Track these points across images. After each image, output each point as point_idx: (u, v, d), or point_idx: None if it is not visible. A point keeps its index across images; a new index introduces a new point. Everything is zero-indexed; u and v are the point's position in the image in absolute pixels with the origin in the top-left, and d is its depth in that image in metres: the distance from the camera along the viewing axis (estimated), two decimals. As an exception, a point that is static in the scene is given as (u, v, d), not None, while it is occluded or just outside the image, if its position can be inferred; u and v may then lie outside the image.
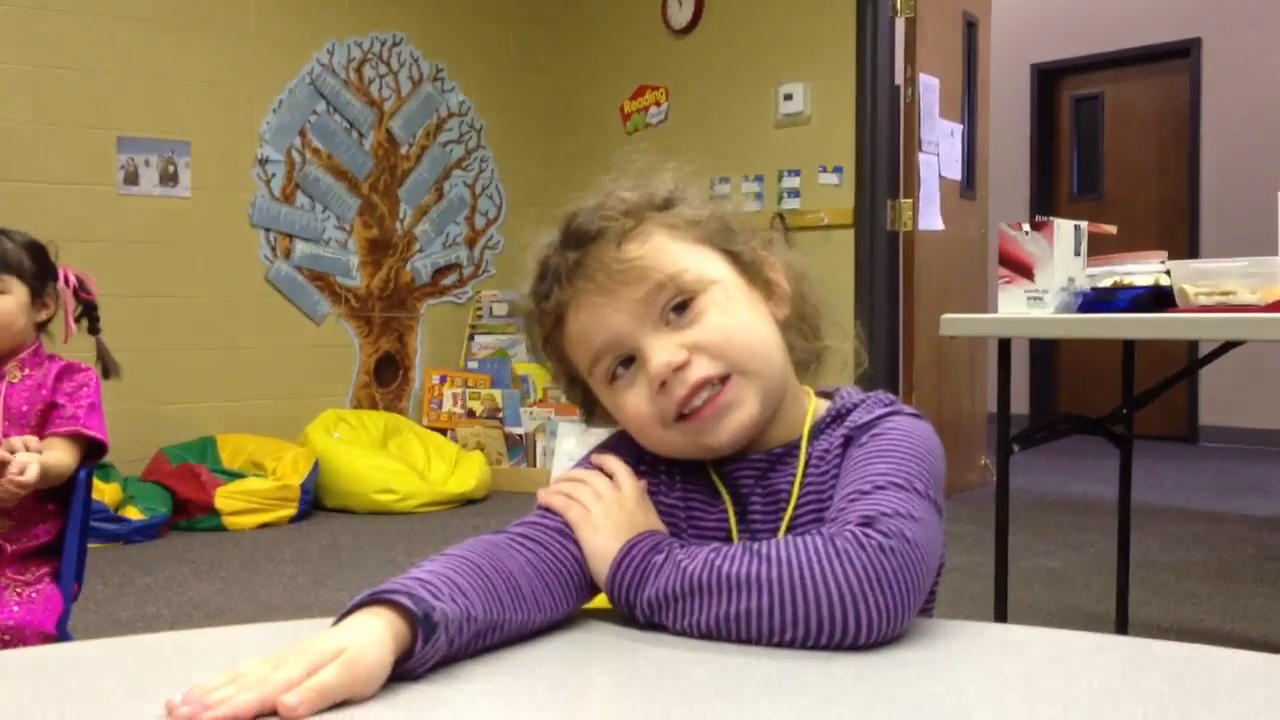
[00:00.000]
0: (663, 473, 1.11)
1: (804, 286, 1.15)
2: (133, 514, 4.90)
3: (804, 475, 1.07)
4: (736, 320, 1.05)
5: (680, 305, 1.04)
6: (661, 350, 1.02)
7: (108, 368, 2.49)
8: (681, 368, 1.02)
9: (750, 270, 1.10)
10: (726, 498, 1.09)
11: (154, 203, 5.64)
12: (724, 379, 1.03)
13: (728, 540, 1.06)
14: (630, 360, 1.05)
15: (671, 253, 1.05)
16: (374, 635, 0.84)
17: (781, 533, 1.06)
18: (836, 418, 1.10)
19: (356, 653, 0.82)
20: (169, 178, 5.69)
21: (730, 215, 1.12)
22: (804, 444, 1.09)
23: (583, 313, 1.05)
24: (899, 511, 0.93)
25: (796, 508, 1.07)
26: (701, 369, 1.02)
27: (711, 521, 1.09)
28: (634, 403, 1.05)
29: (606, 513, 1.04)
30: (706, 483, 1.10)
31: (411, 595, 0.87)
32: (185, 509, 5.11)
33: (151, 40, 5.62)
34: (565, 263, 1.04)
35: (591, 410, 1.15)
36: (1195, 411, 7.87)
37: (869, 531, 0.91)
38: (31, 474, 2.11)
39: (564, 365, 1.12)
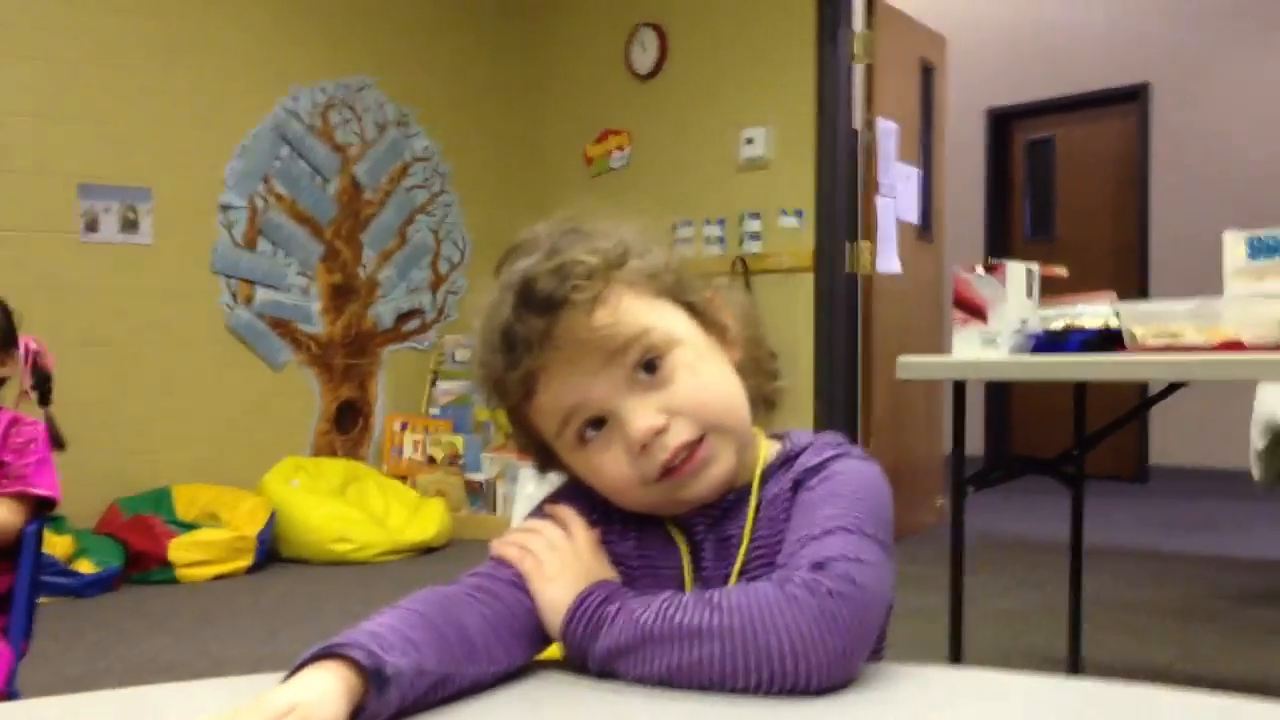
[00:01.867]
0: (616, 522, 1.11)
1: (755, 328, 1.16)
2: (85, 567, 4.83)
3: (754, 521, 1.08)
4: (706, 379, 1.06)
5: (649, 364, 1.04)
6: (641, 415, 1.02)
7: (56, 439, 2.46)
8: (661, 431, 1.02)
9: (705, 317, 1.11)
10: (682, 546, 1.09)
11: (115, 250, 5.61)
12: (700, 439, 1.04)
13: (682, 588, 1.06)
14: (600, 422, 1.05)
15: (636, 312, 1.05)
16: (327, 691, 0.84)
17: (733, 579, 1.06)
18: (786, 461, 1.10)
19: (309, 710, 0.81)
20: (130, 225, 5.66)
21: (678, 260, 1.12)
22: (755, 488, 1.09)
23: (554, 382, 1.04)
24: (847, 555, 0.94)
25: (747, 554, 1.07)
26: (680, 433, 1.03)
27: (666, 570, 1.09)
28: (612, 464, 1.05)
29: (561, 563, 1.03)
30: (660, 531, 1.10)
31: (364, 649, 0.86)
32: (139, 561, 5.04)
33: (112, 86, 5.60)
34: (533, 332, 1.02)
35: (548, 467, 1.15)
36: (1145, 451, 7.94)
37: (819, 577, 0.92)
38: None
39: (529, 433, 1.11)
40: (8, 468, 2.29)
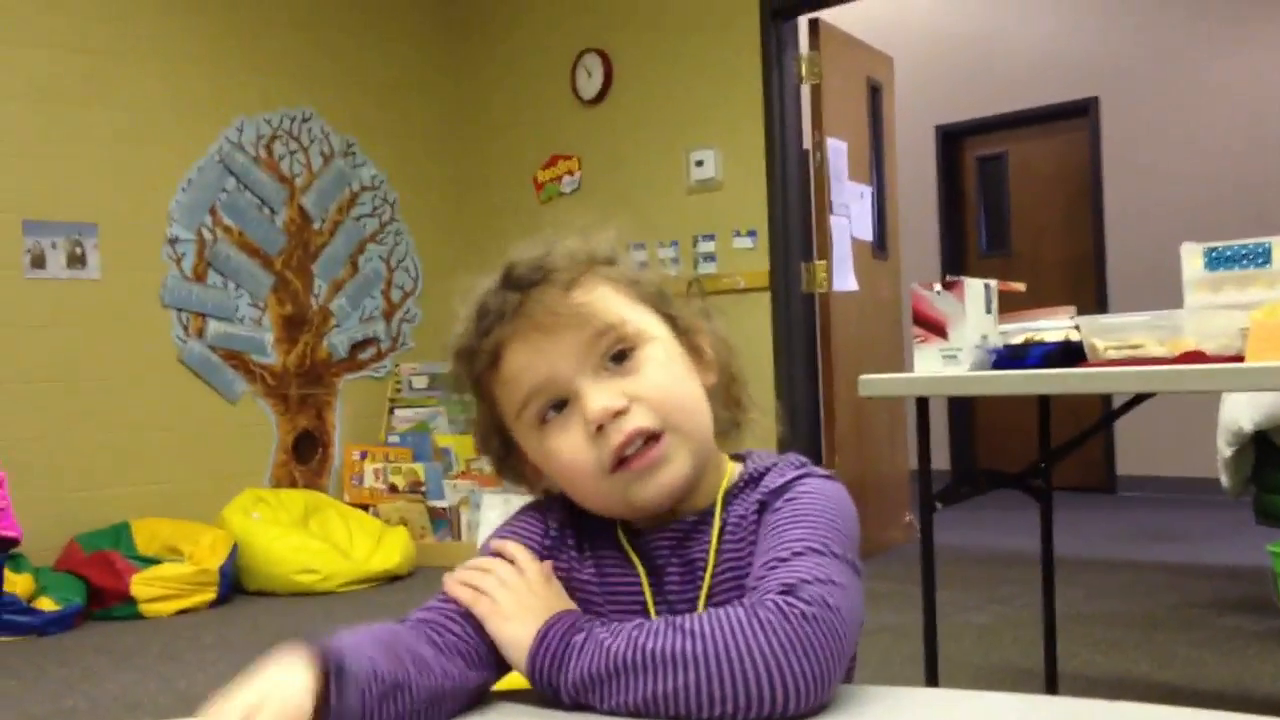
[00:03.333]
0: (571, 548, 1.10)
1: (729, 357, 1.16)
2: (46, 605, 4.76)
3: (719, 543, 1.07)
4: (673, 378, 1.06)
5: (619, 355, 1.05)
6: (601, 395, 1.03)
7: None
8: (620, 414, 1.02)
9: (683, 335, 1.12)
10: (640, 569, 1.08)
11: (62, 286, 5.55)
12: (657, 436, 1.03)
13: (644, 612, 1.06)
14: (562, 405, 1.05)
15: (613, 304, 1.06)
16: (296, 680, 0.85)
17: (700, 603, 1.06)
18: (750, 482, 1.10)
19: (282, 700, 0.83)
20: (76, 260, 5.60)
21: (665, 279, 1.14)
22: (718, 510, 1.08)
23: (521, 352, 1.05)
24: (818, 578, 0.93)
25: (714, 577, 1.06)
26: (639, 419, 1.03)
27: (626, 594, 1.08)
28: (570, 448, 1.04)
29: (516, 600, 1.02)
30: (619, 554, 1.09)
31: (321, 645, 0.88)
32: (100, 598, 4.98)
33: (54, 120, 5.55)
34: (507, 304, 1.05)
35: (504, 463, 1.14)
36: (1112, 462, 7.99)
37: (790, 600, 0.91)
38: None
39: (489, 409, 1.11)
40: None
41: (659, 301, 1.12)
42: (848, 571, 0.96)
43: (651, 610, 1.06)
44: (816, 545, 0.98)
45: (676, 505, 1.08)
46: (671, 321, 1.11)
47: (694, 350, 1.13)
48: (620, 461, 1.03)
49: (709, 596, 1.05)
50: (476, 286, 1.10)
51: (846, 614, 0.92)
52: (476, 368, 1.08)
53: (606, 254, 1.11)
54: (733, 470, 1.12)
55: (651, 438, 1.03)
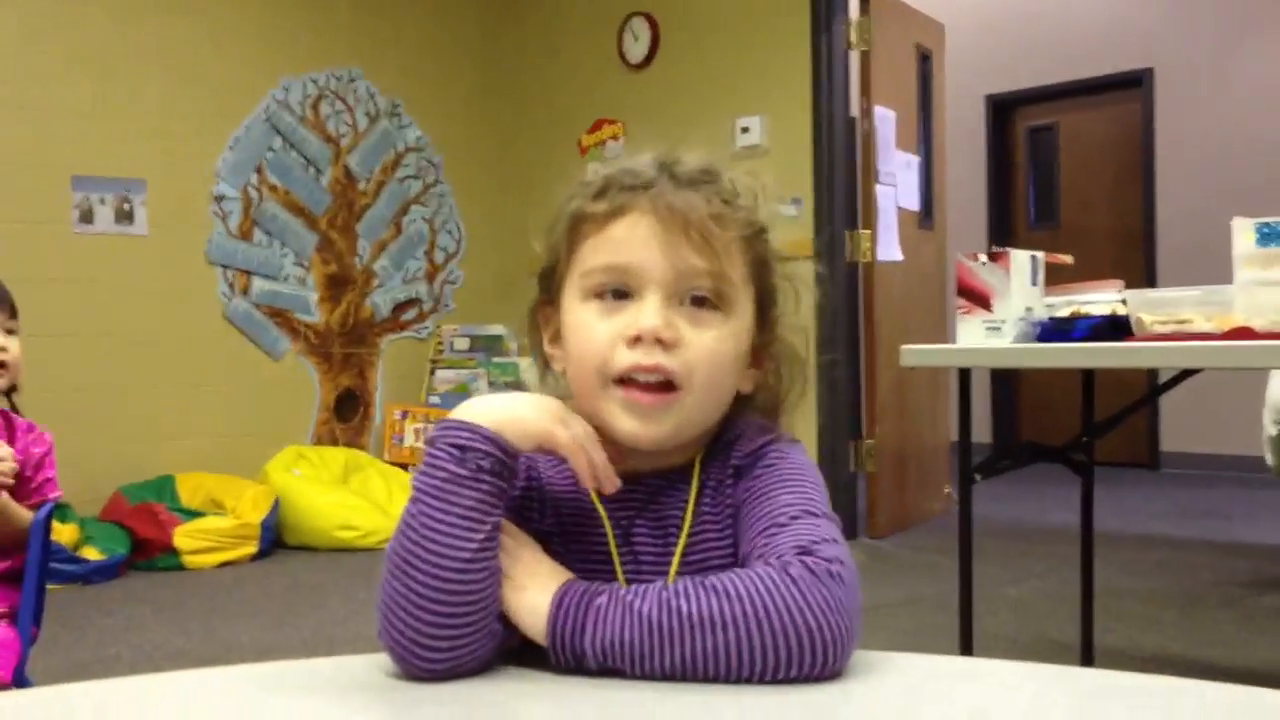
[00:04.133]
0: (535, 499, 1.08)
1: (791, 365, 1.15)
2: (91, 554, 4.84)
3: (697, 504, 1.07)
4: (720, 360, 1.05)
5: (700, 300, 1.04)
6: (661, 315, 1.01)
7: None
8: (661, 342, 1.01)
9: (760, 337, 1.11)
10: (606, 522, 1.07)
11: (110, 241, 5.60)
12: (674, 388, 1.02)
13: (610, 566, 1.05)
14: (623, 295, 1.03)
15: (735, 265, 1.05)
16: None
17: (675, 560, 1.05)
18: (725, 446, 1.09)
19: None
20: (125, 216, 5.65)
21: (792, 279, 1.13)
22: (696, 472, 1.08)
23: (640, 227, 1.03)
24: (825, 538, 0.94)
25: (689, 538, 1.06)
26: (672, 362, 1.02)
27: (591, 546, 1.07)
28: (601, 335, 1.03)
29: (525, 569, 0.97)
30: (584, 505, 1.08)
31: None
32: (144, 548, 5.05)
33: (105, 78, 5.59)
34: (659, 181, 1.04)
35: (545, 301, 1.13)
36: (1156, 438, 7.93)
37: (814, 560, 0.91)
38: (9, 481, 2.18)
39: (570, 245, 1.08)
40: (28, 482, 2.31)
41: (769, 297, 1.10)
42: (838, 530, 0.98)
43: (618, 565, 1.06)
44: (810, 508, 0.99)
45: (645, 463, 1.07)
46: (764, 324, 1.10)
47: (758, 358, 1.12)
48: (624, 381, 1.02)
49: (683, 555, 1.05)
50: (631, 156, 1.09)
51: (854, 571, 0.93)
52: (593, 207, 1.05)
53: (762, 223, 1.08)
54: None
55: (668, 386, 1.02)
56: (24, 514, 2.26)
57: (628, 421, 1.03)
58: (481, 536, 0.95)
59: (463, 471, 0.96)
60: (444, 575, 0.93)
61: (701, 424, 1.07)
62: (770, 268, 1.10)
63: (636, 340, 1.01)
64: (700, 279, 1.03)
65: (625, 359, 1.02)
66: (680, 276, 1.03)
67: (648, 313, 1.01)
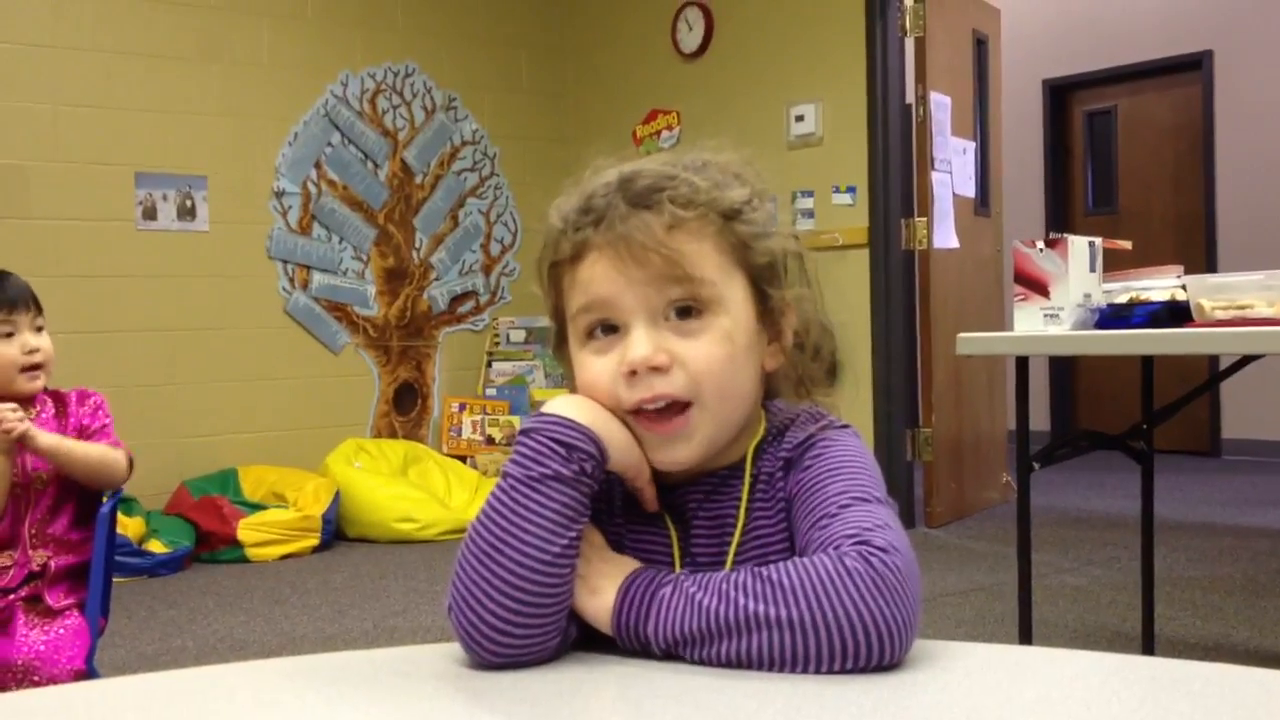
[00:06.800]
0: (604, 501, 1.08)
1: (823, 340, 1.13)
2: (156, 547, 4.92)
3: (750, 499, 1.07)
4: (726, 356, 1.03)
5: (686, 310, 1.03)
6: (648, 342, 1.01)
7: None
8: (657, 369, 1.01)
9: (769, 314, 1.09)
10: (670, 524, 1.08)
11: (172, 237, 5.68)
12: (685, 407, 1.02)
13: (670, 567, 1.05)
14: (613, 329, 1.04)
15: (708, 261, 1.03)
16: None
17: (729, 559, 1.05)
18: (775, 436, 1.09)
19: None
20: (186, 212, 5.73)
21: (785, 252, 1.10)
22: (748, 466, 1.08)
23: (599, 263, 1.03)
24: (879, 524, 0.94)
25: (743, 534, 1.06)
26: (672, 384, 1.01)
27: (655, 548, 1.07)
28: (598, 371, 1.04)
29: (595, 570, 0.99)
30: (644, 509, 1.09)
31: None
32: (208, 541, 5.13)
33: (166, 76, 5.67)
34: (610, 211, 1.03)
35: (559, 351, 1.14)
36: (1217, 425, 7.82)
37: (869, 550, 0.91)
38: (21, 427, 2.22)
39: (556, 294, 1.10)
40: (88, 430, 2.36)
41: (761, 274, 1.08)
42: (892, 514, 0.97)
43: (678, 565, 1.06)
44: (861, 495, 0.98)
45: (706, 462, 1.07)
46: (764, 297, 1.08)
47: (773, 329, 1.10)
48: (639, 411, 1.02)
49: (738, 551, 1.05)
50: (601, 169, 1.09)
51: (911, 555, 0.92)
52: (559, 256, 1.07)
53: (734, 206, 1.06)
54: (761, 425, 1.11)
55: (679, 407, 1.02)
56: (86, 452, 2.31)
57: (655, 453, 1.04)
58: (573, 535, 0.96)
59: (566, 471, 0.97)
60: (529, 568, 0.94)
61: (732, 425, 1.06)
62: (753, 248, 1.07)
63: (633, 374, 1.02)
64: (672, 292, 1.02)
65: (628, 396, 1.02)
66: (653, 297, 1.02)
67: (634, 345, 1.01)
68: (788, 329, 1.11)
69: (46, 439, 2.26)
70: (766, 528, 1.06)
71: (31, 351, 2.34)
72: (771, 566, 0.92)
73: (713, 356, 1.03)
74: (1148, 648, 3.17)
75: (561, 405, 1.02)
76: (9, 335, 2.32)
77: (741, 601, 0.90)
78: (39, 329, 2.38)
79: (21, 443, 2.24)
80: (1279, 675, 0.87)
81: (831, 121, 5.80)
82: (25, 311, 2.35)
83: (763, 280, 1.08)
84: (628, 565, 1.00)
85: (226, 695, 0.94)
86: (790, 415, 1.10)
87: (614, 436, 1.01)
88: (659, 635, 0.93)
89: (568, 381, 1.13)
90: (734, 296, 1.05)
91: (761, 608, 0.89)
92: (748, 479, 1.07)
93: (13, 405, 2.27)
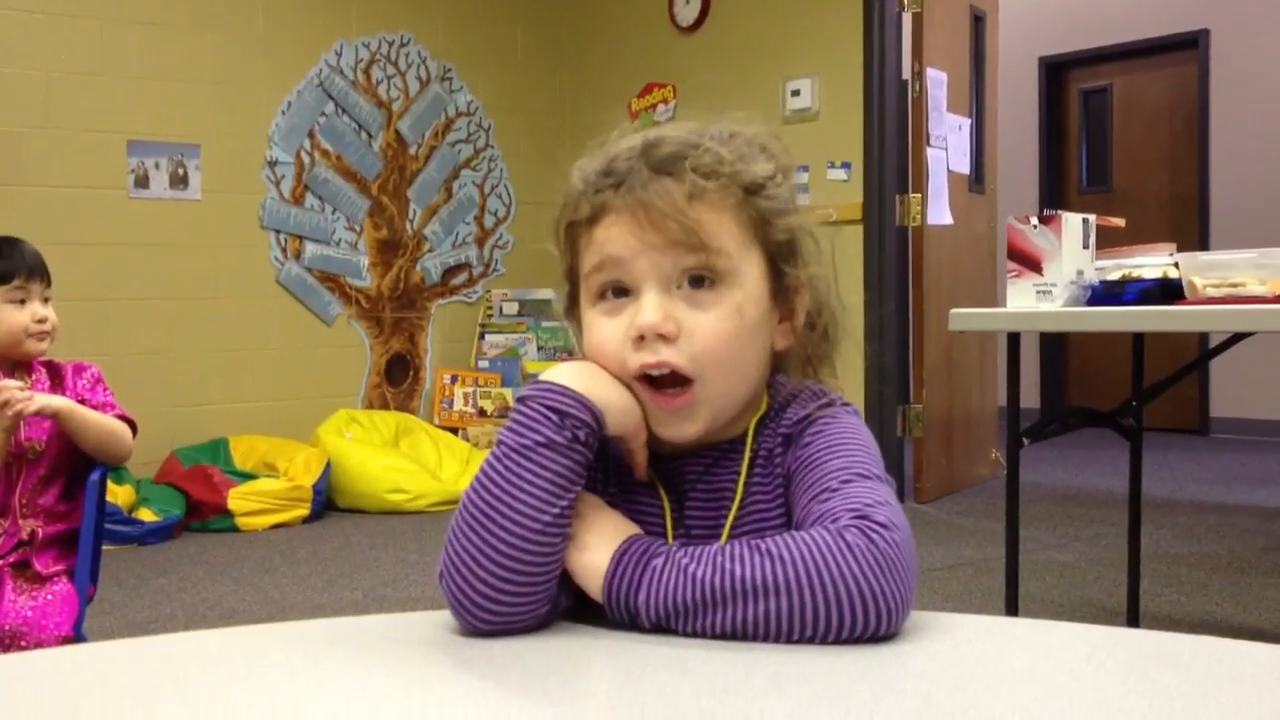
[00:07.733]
0: (599, 467, 1.08)
1: (831, 321, 1.14)
2: (146, 516, 4.92)
3: (749, 474, 1.07)
4: (734, 333, 1.03)
5: (698, 280, 1.03)
6: (658, 309, 1.01)
7: None
8: (664, 337, 1.01)
9: (782, 292, 1.09)
10: (664, 495, 1.08)
11: (164, 206, 5.66)
12: (687, 383, 1.02)
13: (663, 536, 1.05)
14: (624, 292, 1.04)
15: (726, 233, 1.03)
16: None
17: (725, 531, 1.05)
18: (777, 412, 1.09)
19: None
20: (179, 180, 5.71)
21: (804, 229, 1.10)
22: (749, 441, 1.08)
23: (616, 225, 1.03)
24: (878, 501, 0.94)
25: (741, 507, 1.06)
26: (677, 355, 1.01)
27: (647, 517, 1.07)
28: (606, 334, 1.04)
29: (588, 528, 0.99)
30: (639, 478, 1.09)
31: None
32: (198, 510, 5.13)
33: (160, 43, 5.64)
34: (631, 176, 1.03)
35: (569, 313, 1.14)
36: (1206, 403, 7.85)
37: (868, 524, 0.91)
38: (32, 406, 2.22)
39: (572, 254, 1.10)
40: (89, 405, 2.36)
41: (779, 251, 1.08)
42: (891, 492, 0.98)
43: (670, 537, 1.06)
44: (861, 471, 0.98)
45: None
46: (779, 274, 1.08)
47: (785, 308, 1.10)
48: (644, 378, 1.02)
49: (734, 525, 1.05)
50: (627, 133, 1.08)
51: (908, 531, 0.93)
52: (578, 215, 1.07)
53: (756, 180, 1.06)
54: (764, 401, 1.11)
55: (682, 382, 1.02)
56: (100, 419, 2.31)
57: (659, 426, 1.04)
58: (565, 504, 0.96)
59: (559, 439, 0.97)
60: (521, 535, 0.94)
61: (736, 400, 1.06)
62: (773, 224, 1.07)
63: (641, 338, 1.02)
64: (686, 261, 1.02)
65: (634, 360, 1.02)
66: (668, 265, 1.02)
67: (645, 310, 1.01)
68: (800, 309, 1.11)
69: (60, 401, 2.27)
70: (764, 503, 1.06)
71: (41, 321, 2.35)
72: (769, 539, 0.92)
73: (720, 330, 1.02)
74: (1133, 623, 3.19)
75: (559, 373, 1.02)
76: (21, 302, 2.33)
77: (738, 571, 0.90)
78: (46, 300, 2.38)
79: (37, 413, 2.25)
80: (1266, 648, 0.88)
81: (828, 96, 5.78)
82: (39, 281, 2.36)
83: (780, 257, 1.08)
84: (622, 528, 1.00)
85: (214, 659, 0.94)
86: (792, 392, 1.10)
87: (612, 402, 1.01)
88: (650, 607, 0.93)
89: (577, 343, 1.13)
90: (749, 271, 1.05)
91: (760, 576, 0.89)
92: (748, 454, 1.07)
93: (20, 383, 2.27)
